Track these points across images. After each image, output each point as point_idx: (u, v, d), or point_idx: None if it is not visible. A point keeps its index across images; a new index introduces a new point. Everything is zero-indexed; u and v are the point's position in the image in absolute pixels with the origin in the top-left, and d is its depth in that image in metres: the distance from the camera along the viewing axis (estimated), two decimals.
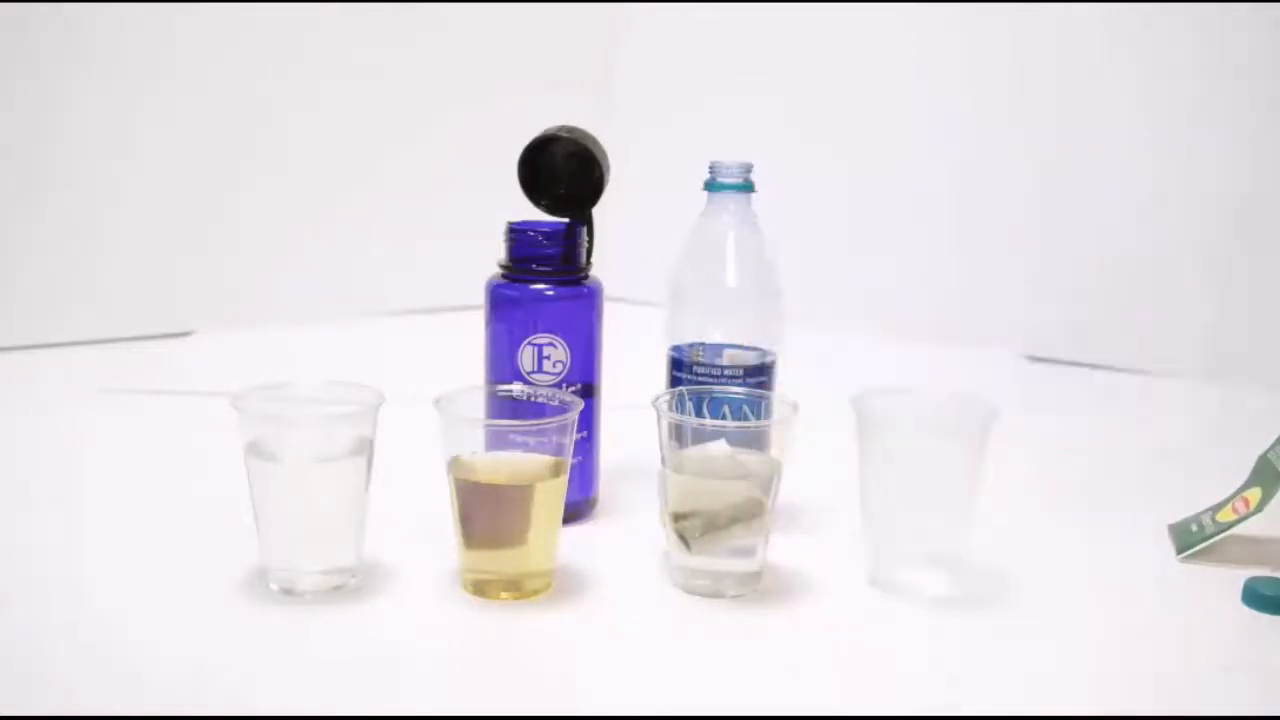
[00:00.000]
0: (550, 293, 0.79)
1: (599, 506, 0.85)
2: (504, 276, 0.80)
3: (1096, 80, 1.35)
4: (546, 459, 0.69)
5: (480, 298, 0.81)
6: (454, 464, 0.69)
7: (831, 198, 1.48)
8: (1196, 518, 0.82)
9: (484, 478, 0.69)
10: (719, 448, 0.70)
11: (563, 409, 0.70)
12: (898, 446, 0.71)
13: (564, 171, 0.80)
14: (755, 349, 0.81)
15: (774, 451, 0.71)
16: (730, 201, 0.81)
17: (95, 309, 1.33)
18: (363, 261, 1.50)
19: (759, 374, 0.80)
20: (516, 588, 0.70)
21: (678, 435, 0.70)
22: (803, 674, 0.63)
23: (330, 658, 0.63)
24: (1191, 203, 1.33)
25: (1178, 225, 1.34)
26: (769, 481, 0.70)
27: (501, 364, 0.79)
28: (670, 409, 0.72)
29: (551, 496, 0.70)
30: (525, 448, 0.69)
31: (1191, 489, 0.86)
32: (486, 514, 0.70)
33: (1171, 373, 1.32)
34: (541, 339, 0.78)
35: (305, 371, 0.74)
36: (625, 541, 0.80)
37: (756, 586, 0.72)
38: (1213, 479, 0.85)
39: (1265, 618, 0.71)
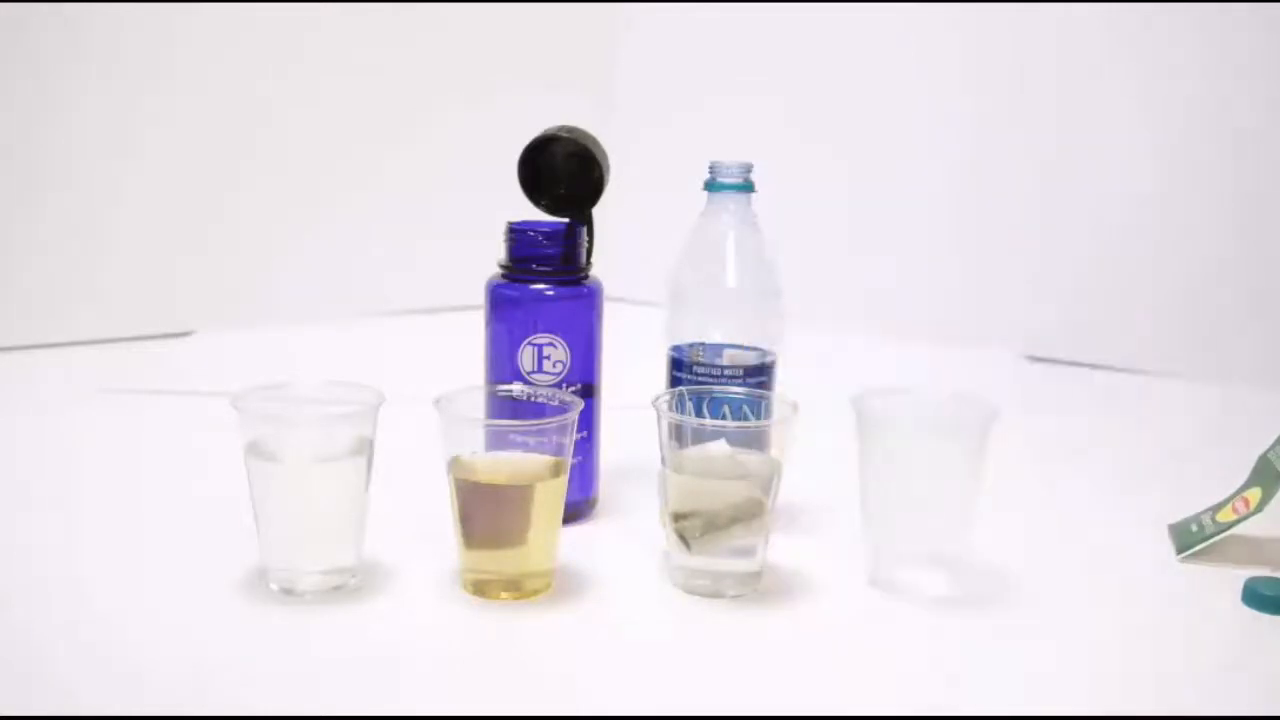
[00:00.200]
0: (550, 293, 0.79)
1: (599, 506, 0.85)
2: (504, 276, 0.80)
3: (1096, 80, 1.35)
4: (546, 459, 0.69)
5: (480, 298, 0.81)
6: (454, 464, 0.69)
7: (831, 198, 1.48)
8: (1196, 518, 0.82)
9: (484, 478, 0.69)
10: (719, 448, 0.70)
11: (563, 409, 0.70)
12: (898, 446, 0.71)
13: (564, 171, 0.80)
14: (755, 349, 0.81)
15: (774, 451, 0.71)
16: (730, 201, 0.81)
17: (95, 309, 1.33)
18: (363, 261, 1.50)
19: (759, 374, 0.80)
20: (516, 588, 0.70)
21: (678, 435, 0.70)
22: (803, 674, 0.63)
23: (330, 658, 0.63)
24: (1192, 203, 1.33)
25: (1178, 225, 1.34)
26: (769, 481, 0.70)
27: (501, 364, 0.79)
28: (670, 409, 0.72)
29: (551, 496, 0.70)
30: (525, 448, 0.69)
31: (1191, 489, 0.86)
32: (486, 514, 0.70)
33: (1171, 373, 1.32)
34: (541, 339, 0.78)
35: (305, 371, 0.74)
36: (625, 541, 0.80)
37: (756, 586, 0.72)
38: (1213, 479, 0.85)
39: (1265, 618, 0.71)
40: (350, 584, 0.70)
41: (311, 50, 1.44)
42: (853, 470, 0.73)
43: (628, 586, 0.73)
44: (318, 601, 0.69)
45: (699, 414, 0.75)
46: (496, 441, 0.70)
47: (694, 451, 0.70)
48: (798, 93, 1.50)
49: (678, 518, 0.71)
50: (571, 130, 0.81)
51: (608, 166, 0.81)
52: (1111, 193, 1.36)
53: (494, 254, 0.81)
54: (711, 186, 0.81)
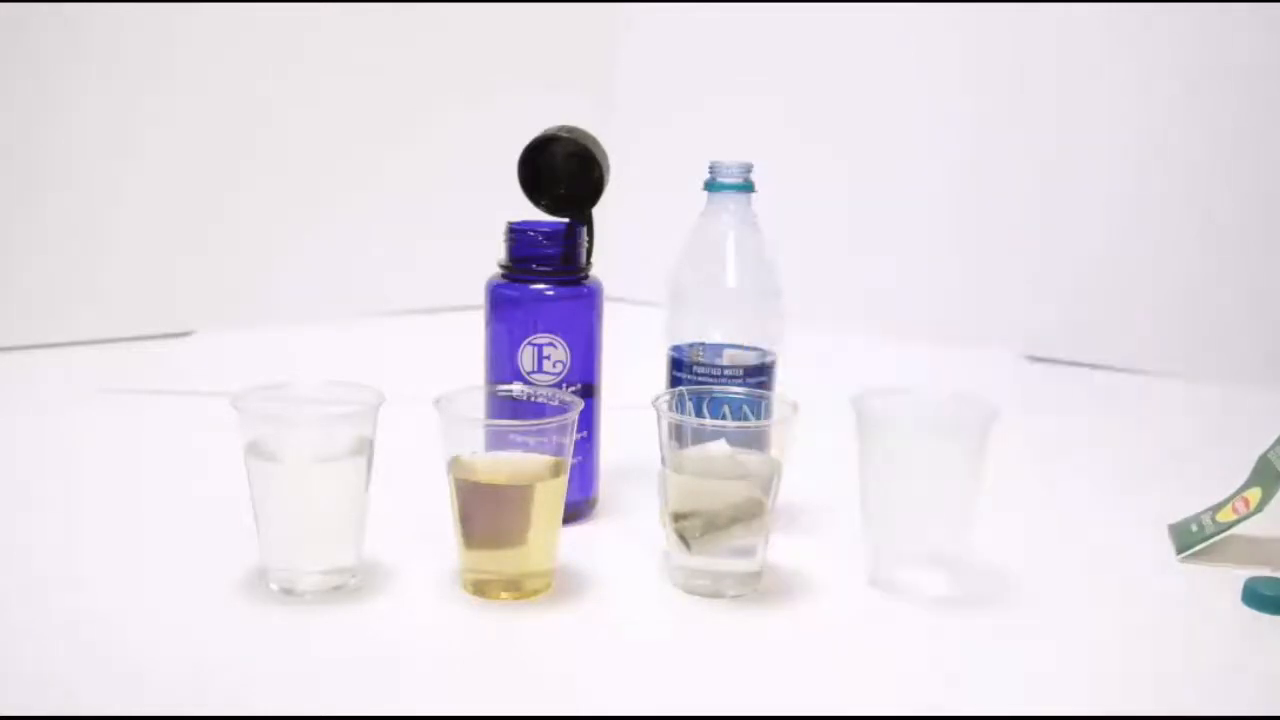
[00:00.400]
0: (550, 293, 0.79)
1: (599, 506, 0.85)
2: (504, 276, 0.80)
3: (1096, 80, 1.35)
4: (546, 459, 0.69)
5: (480, 298, 0.81)
6: (454, 464, 0.69)
7: (831, 198, 1.48)
8: (1196, 518, 0.82)
9: (484, 478, 0.69)
10: (719, 448, 0.70)
11: (563, 409, 0.70)
12: (898, 446, 0.71)
13: (564, 171, 0.80)
14: (755, 349, 0.81)
15: (774, 451, 0.71)
16: (730, 201, 0.81)
17: (95, 309, 1.33)
18: (363, 261, 1.50)
19: (759, 374, 0.80)
20: (516, 588, 0.70)
21: (678, 435, 0.70)
22: (803, 674, 0.63)
23: (330, 658, 0.63)
24: (1192, 203, 1.33)
25: (1178, 225, 1.34)
26: (769, 481, 0.70)
27: (501, 364, 0.79)
28: (670, 409, 0.72)
29: (551, 496, 0.70)
30: (525, 448, 0.69)
31: (1191, 489, 0.86)
32: (486, 514, 0.70)
33: (1171, 373, 1.32)
34: (541, 339, 0.78)
35: (305, 371, 0.74)
36: (625, 541, 0.80)
37: (756, 586, 0.72)
38: (1213, 479, 0.85)
39: (1265, 618, 0.71)
40: (350, 584, 0.70)
41: (311, 50, 1.44)
42: (853, 470, 0.73)
43: (628, 586, 0.73)
44: (318, 601, 0.69)
45: (699, 414, 0.75)
46: (496, 441, 0.70)
47: (694, 451, 0.70)
48: (798, 93, 1.50)
49: (678, 518, 0.71)
50: (571, 130, 0.81)
51: (608, 166, 0.81)
52: (1111, 193, 1.36)
53: (494, 254, 0.81)
54: (711, 186, 0.81)
